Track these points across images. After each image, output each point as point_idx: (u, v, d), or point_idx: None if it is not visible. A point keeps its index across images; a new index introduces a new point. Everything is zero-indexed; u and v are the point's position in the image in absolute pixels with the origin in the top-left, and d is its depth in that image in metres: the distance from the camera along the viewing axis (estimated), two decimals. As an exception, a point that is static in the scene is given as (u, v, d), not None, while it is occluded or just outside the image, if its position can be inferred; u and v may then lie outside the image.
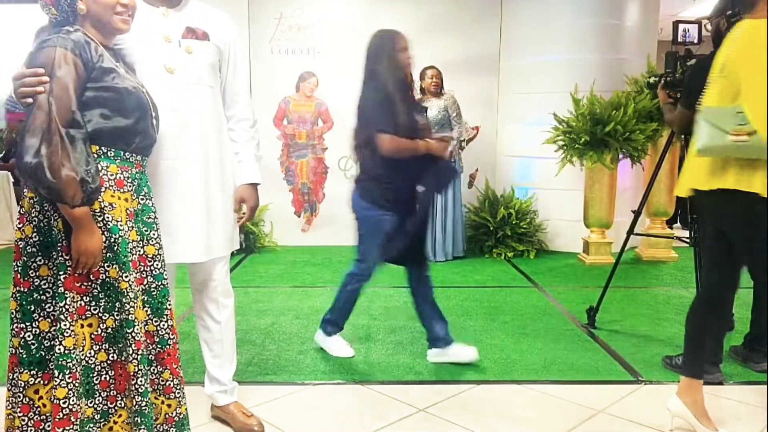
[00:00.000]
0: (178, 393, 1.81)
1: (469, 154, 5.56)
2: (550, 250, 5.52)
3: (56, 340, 1.59)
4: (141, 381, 1.67)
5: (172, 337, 1.80)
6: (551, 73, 5.32)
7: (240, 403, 2.27)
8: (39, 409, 1.65)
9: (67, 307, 1.60)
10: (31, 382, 1.64)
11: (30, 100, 1.54)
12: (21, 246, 1.64)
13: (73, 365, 1.60)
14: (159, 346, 1.77)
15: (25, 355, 1.63)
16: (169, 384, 1.79)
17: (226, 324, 2.22)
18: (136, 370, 1.66)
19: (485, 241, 5.35)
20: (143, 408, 1.67)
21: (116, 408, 1.70)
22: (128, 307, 1.64)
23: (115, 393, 1.69)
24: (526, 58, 5.52)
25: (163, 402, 1.79)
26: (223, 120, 2.12)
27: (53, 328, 1.63)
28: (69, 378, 1.59)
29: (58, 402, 1.58)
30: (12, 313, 1.67)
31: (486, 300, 3.97)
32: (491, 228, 5.30)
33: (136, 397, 1.67)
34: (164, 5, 1.97)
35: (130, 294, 1.65)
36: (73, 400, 1.60)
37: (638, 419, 2.31)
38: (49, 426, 1.64)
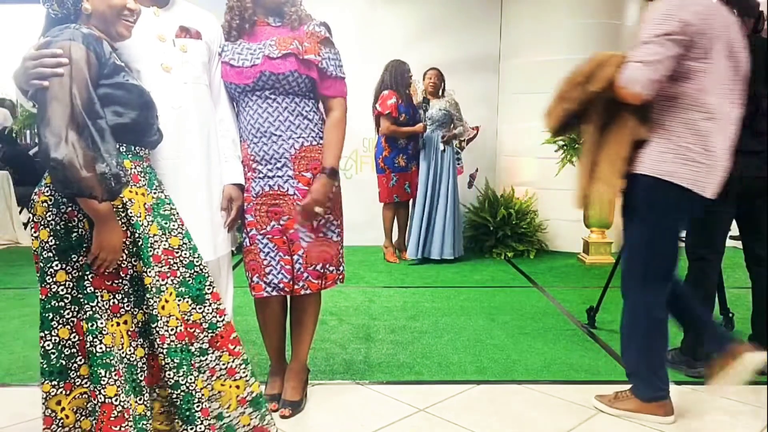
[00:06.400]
0: (244, 373, 1.79)
1: (469, 154, 5.56)
2: (550, 250, 5.52)
3: (95, 340, 1.58)
4: (170, 374, 1.66)
5: (220, 319, 1.77)
6: (551, 73, 5.23)
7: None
8: (62, 420, 1.63)
9: (100, 305, 1.59)
10: (52, 393, 1.61)
11: (46, 83, 1.49)
12: (38, 252, 1.61)
13: (116, 362, 1.59)
14: (209, 331, 1.75)
15: (45, 365, 1.61)
16: (231, 366, 1.76)
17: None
18: (164, 363, 1.65)
19: (485, 241, 5.35)
20: (175, 399, 1.67)
21: (151, 399, 1.69)
22: (152, 302, 1.63)
23: (145, 385, 1.69)
24: (526, 57, 5.52)
25: (230, 386, 1.76)
26: (215, 118, 2.13)
27: (73, 335, 1.62)
28: (115, 375, 1.58)
29: (110, 401, 1.56)
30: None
31: (486, 300, 3.97)
32: (491, 228, 5.31)
33: (167, 389, 1.67)
34: (154, 5, 1.97)
35: (153, 289, 1.64)
36: (123, 397, 1.58)
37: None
38: None
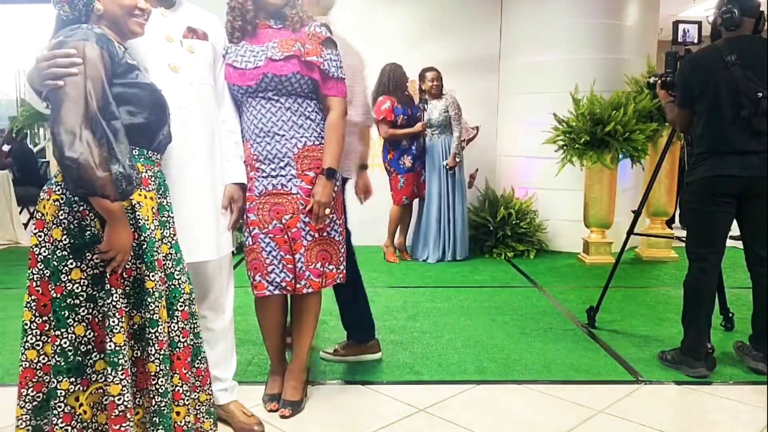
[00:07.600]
0: (187, 400, 1.76)
1: (469, 154, 5.55)
2: (550, 250, 5.52)
3: (106, 337, 1.58)
4: (162, 381, 1.65)
5: (183, 339, 1.75)
6: (551, 73, 5.32)
7: (240, 402, 2.28)
8: (80, 416, 1.63)
9: (114, 303, 1.58)
10: (71, 390, 1.61)
11: (61, 82, 1.49)
12: (50, 251, 1.60)
13: (125, 362, 1.58)
14: (169, 348, 1.72)
15: (63, 363, 1.60)
16: (179, 390, 1.74)
17: (229, 323, 2.24)
18: (158, 370, 1.64)
19: (485, 241, 5.35)
20: (162, 408, 1.65)
21: (134, 405, 1.67)
22: (153, 306, 1.63)
23: (134, 390, 1.67)
24: (526, 58, 5.52)
25: (172, 410, 1.73)
26: (218, 118, 2.15)
27: (89, 332, 1.61)
28: (122, 374, 1.57)
29: (112, 399, 1.56)
30: (26, 324, 1.65)
31: (486, 300, 3.97)
32: (491, 228, 5.31)
33: (156, 397, 1.65)
34: (161, 5, 1.98)
35: (155, 294, 1.64)
36: (127, 397, 1.58)
37: (638, 419, 2.31)
38: None
